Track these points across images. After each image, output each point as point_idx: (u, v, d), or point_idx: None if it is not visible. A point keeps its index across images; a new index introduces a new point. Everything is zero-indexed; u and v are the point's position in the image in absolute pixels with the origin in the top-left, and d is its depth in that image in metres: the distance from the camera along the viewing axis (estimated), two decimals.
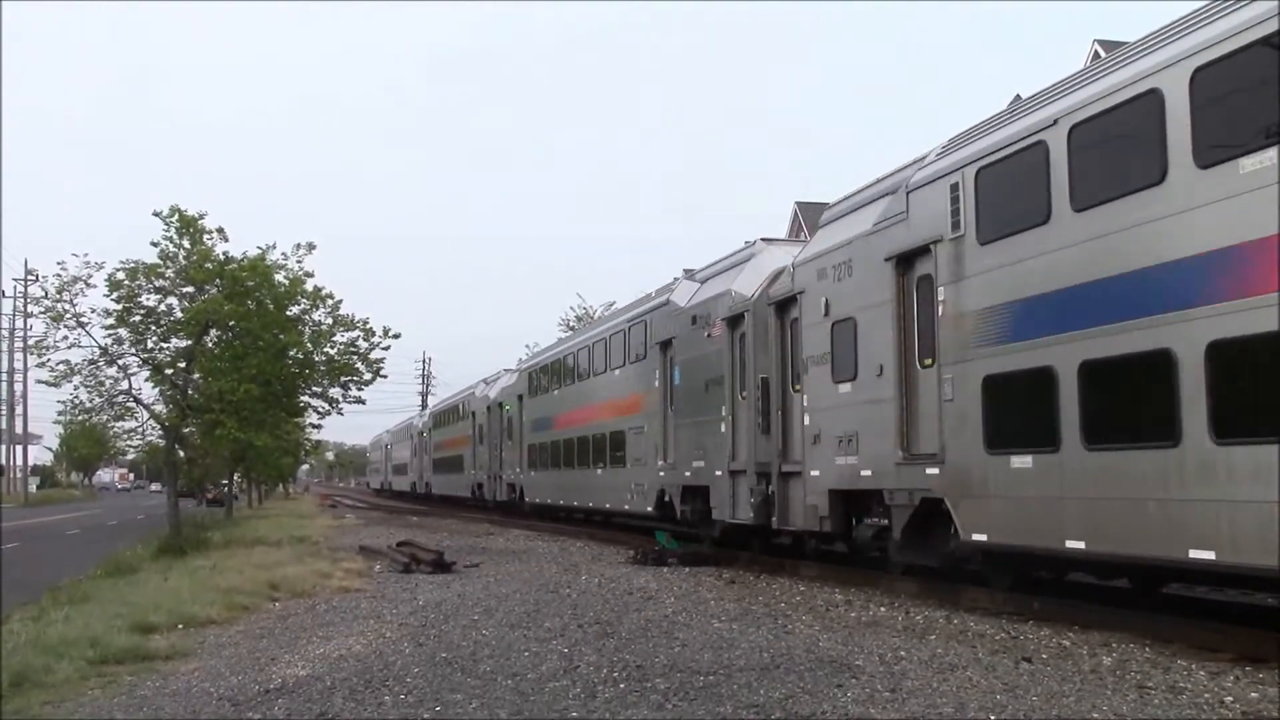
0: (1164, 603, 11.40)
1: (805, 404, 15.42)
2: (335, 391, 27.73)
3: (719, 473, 18.59)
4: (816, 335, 15.14)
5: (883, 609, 12.52)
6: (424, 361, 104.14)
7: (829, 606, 12.87)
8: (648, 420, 22.63)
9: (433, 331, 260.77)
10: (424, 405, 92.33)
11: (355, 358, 27.03)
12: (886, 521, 13.58)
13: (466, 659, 9.56)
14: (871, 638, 10.40)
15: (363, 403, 28.50)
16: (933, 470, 12.41)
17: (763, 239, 19.40)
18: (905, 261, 13.09)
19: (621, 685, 8.36)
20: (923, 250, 12.67)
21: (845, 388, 14.35)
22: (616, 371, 25.39)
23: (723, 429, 18.34)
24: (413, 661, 9.50)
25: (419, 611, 12.85)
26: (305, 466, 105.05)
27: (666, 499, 21.46)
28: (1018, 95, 12.72)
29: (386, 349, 27.34)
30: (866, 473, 13.79)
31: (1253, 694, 7.77)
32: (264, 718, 7.75)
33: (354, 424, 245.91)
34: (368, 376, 27.42)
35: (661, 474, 21.61)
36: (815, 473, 15.07)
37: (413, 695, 8.18)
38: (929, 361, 12.64)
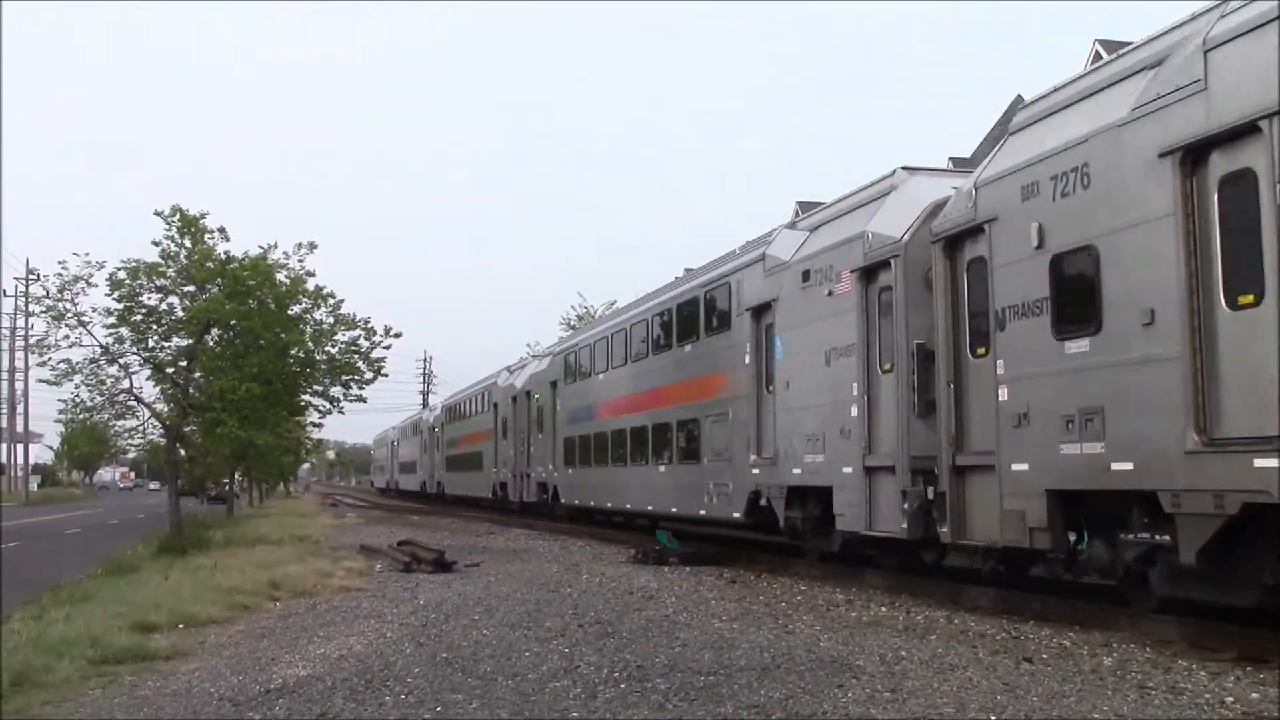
0: (1163, 602, 11.37)
1: (1001, 372, 11.42)
2: (336, 390, 27.74)
3: (847, 469, 14.47)
4: (1022, 276, 11.16)
5: (883, 609, 12.52)
6: (425, 360, 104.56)
7: (830, 606, 12.87)
8: (734, 405, 18.53)
9: (434, 330, 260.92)
10: (425, 404, 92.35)
11: (356, 356, 27.04)
12: (1165, 538, 9.69)
13: (467, 659, 9.56)
14: (872, 638, 10.40)
15: (364, 401, 28.53)
16: (1269, 461, 8.39)
17: (903, 167, 15.01)
18: (1197, 155, 9.27)
19: (622, 685, 8.36)
20: (1240, 132, 8.84)
21: (1078, 345, 10.42)
22: (688, 346, 21.30)
23: (854, 412, 14.31)
24: (413, 661, 9.50)
25: (419, 611, 12.86)
26: (306, 465, 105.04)
27: (763, 502, 17.21)
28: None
29: (388, 348, 27.38)
30: (1123, 466, 9.84)
31: (1253, 694, 7.77)
32: (264, 718, 7.75)
33: (356, 423, 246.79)
34: (369, 375, 27.42)
35: (755, 471, 17.38)
36: (1020, 467, 11.07)
37: (413, 695, 8.18)
38: (1249, 298, 8.83)
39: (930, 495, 12.67)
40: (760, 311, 17.61)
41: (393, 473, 77.42)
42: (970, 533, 12.07)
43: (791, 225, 17.57)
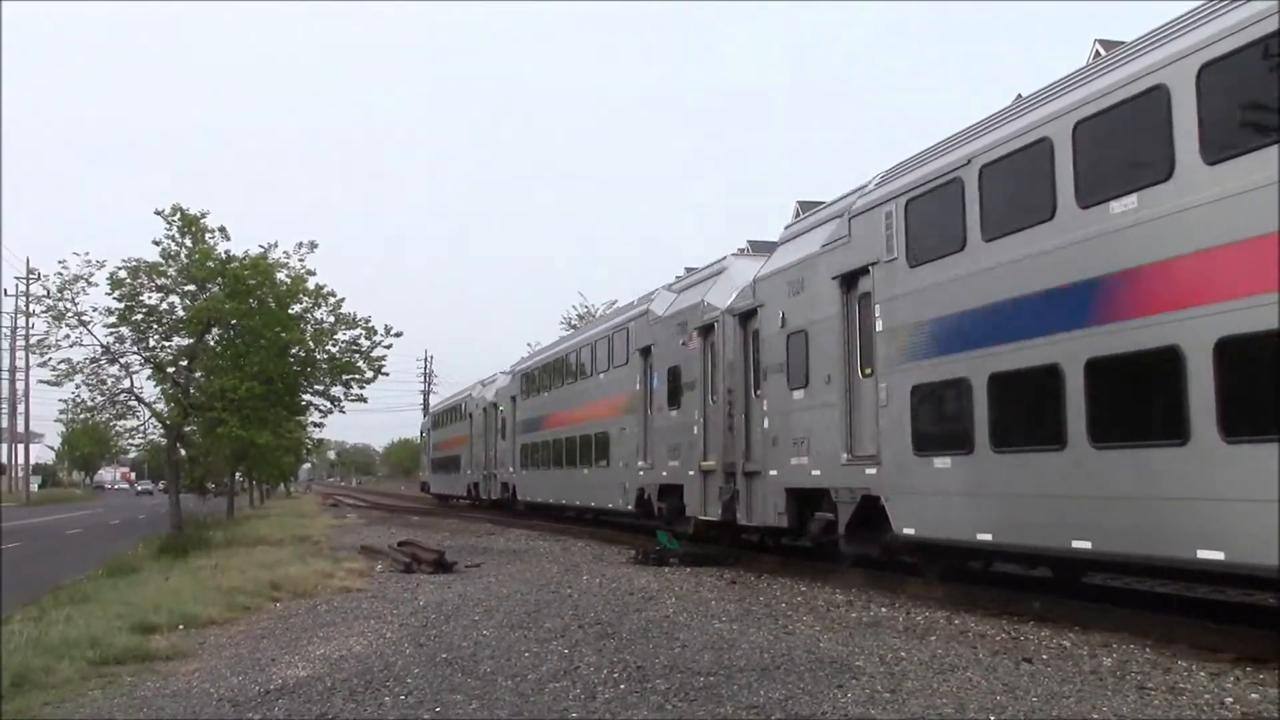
0: (1164, 603, 11.38)
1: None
2: (337, 390, 27.78)
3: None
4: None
5: (883, 609, 12.51)
6: (426, 360, 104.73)
7: (830, 607, 12.87)
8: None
9: (434, 330, 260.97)
10: (425, 404, 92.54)
11: (357, 356, 27.08)
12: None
13: (467, 660, 9.56)
14: (872, 638, 10.40)
15: (364, 400, 28.55)
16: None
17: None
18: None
19: (622, 686, 8.36)
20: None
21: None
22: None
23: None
24: (413, 662, 9.51)
25: (420, 612, 12.86)
26: (307, 466, 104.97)
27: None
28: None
29: (388, 347, 27.43)
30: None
31: (1253, 695, 7.77)
32: (264, 718, 7.75)
33: (355, 422, 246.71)
34: (369, 375, 27.48)
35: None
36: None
37: (413, 696, 8.19)
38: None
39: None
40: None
41: (496, 464, 39.78)
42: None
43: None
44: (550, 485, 30.81)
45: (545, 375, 32.42)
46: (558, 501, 30.49)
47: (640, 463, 22.37)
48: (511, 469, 35.79)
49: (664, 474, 20.94)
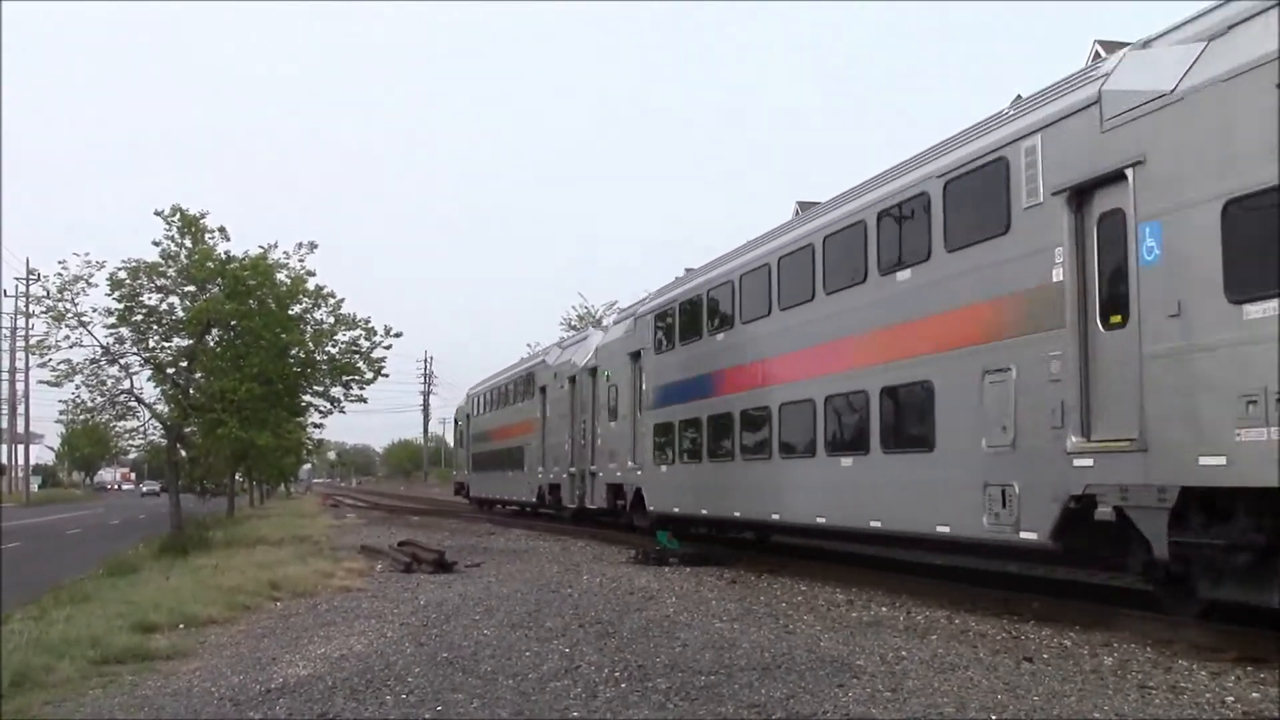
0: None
1: None
2: (337, 390, 27.78)
3: None
4: None
5: (884, 609, 12.51)
6: (425, 361, 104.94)
7: (830, 606, 12.87)
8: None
9: (434, 331, 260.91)
10: (425, 405, 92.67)
11: (357, 356, 27.08)
12: None
13: (468, 659, 9.56)
14: (873, 637, 10.40)
15: (364, 401, 28.55)
16: None
17: None
18: None
19: (623, 685, 8.36)
20: None
21: None
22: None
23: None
24: (414, 661, 9.51)
25: (420, 611, 12.86)
26: (307, 466, 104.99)
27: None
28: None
29: (388, 348, 27.42)
30: None
31: (1254, 694, 7.77)
32: (265, 717, 7.75)
33: (355, 423, 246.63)
34: (369, 375, 27.47)
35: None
36: None
37: (414, 695, 8.19)
38: None
39: None
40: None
41: (595, 458, 27.76)
42: None
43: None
44: (738, 488, 17.99)
45: (724, 300, 19.04)
46: (762, 518, 17.57)
47: (1073, 439, 10.44)
48: (632, 463, 23.44)
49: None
